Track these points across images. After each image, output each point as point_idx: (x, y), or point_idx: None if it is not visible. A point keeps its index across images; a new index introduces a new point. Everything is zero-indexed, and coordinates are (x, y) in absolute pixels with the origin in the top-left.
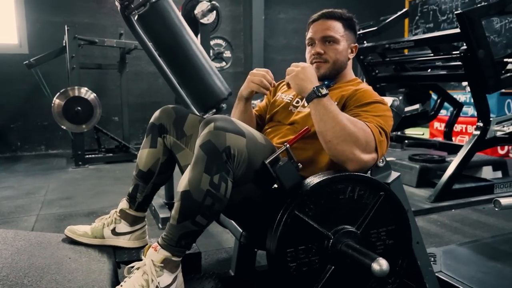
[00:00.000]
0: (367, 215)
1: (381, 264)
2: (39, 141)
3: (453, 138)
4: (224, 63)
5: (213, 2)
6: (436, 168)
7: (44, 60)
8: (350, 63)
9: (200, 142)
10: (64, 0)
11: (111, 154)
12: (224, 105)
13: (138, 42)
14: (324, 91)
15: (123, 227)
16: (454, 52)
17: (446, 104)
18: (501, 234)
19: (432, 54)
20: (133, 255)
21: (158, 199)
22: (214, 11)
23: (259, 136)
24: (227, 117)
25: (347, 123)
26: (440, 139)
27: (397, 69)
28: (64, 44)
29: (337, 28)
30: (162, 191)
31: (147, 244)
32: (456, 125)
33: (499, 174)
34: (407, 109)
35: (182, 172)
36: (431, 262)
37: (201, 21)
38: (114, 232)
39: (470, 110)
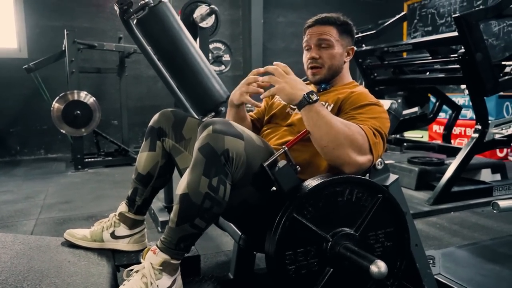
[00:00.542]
0: (366, 218)
1: (379, 267)
2: (39, 145)
3: (452, 141)
4: (223, 67)
5: (212, 6)
6: (435, 171)
7: (43, 64)
8: (346, 66)
9: (199, 145)
10: (64, 5)
11: (110, 158)
12: (223, 109)
13: (137, 46)
14: (314, 97)
15: (122, 230)
16: (452, 55)
17: (444, 107)
18: (500, 237)
19: (430, 57)
20: (132, 258)
21: (157, 202)
22: (213, 15)
23: (257, 139)
24: (226, 120)
25: (341, 127)
26: (439, 141)
27: (396, 72)
28: (63, 48)
29: (331, 33)
30: (161, 194)
31: (146, 247)
32: (454, 127)
33: (497, 176)
34: (406, 112)
35: (181, 175)
36: (430, 265)
37: (200, 25)
38: (113, 235)
39: (468, 113)
